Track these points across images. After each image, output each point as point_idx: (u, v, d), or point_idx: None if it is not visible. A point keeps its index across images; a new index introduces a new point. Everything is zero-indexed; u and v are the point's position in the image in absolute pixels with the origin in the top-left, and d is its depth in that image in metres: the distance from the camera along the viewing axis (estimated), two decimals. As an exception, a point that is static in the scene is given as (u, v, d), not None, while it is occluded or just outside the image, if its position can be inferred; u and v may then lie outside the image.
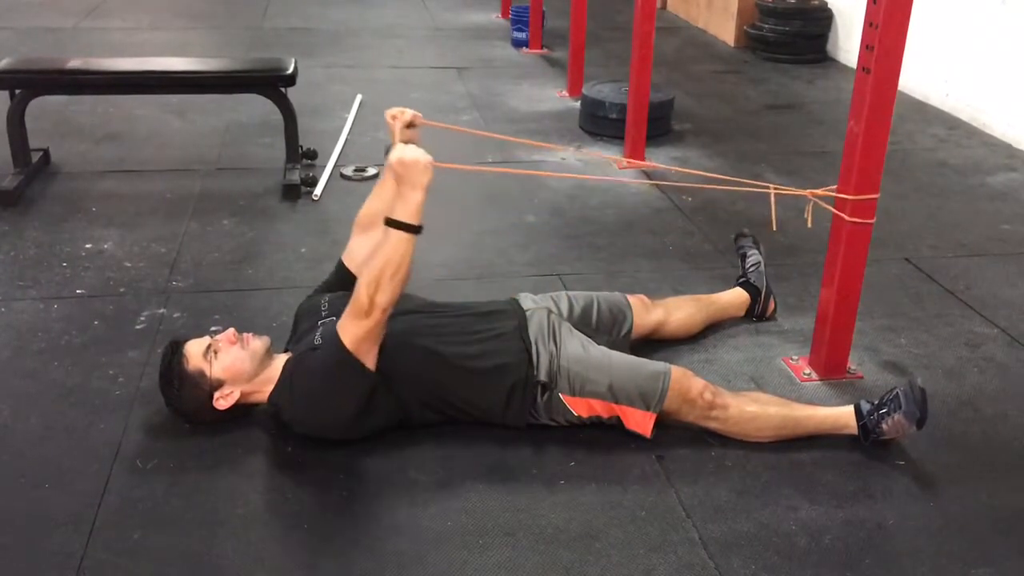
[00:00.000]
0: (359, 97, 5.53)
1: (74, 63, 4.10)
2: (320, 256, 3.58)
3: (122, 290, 3.28)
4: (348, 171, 4.43)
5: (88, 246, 3.60)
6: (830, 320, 2.78)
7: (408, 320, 2.54)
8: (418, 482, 2.37)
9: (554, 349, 2.53)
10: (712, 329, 3.10)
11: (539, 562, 2.12)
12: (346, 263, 2.76)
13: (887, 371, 2.92)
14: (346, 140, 4.85)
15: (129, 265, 3.47)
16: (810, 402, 2.70)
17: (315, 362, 2.37)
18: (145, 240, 3.67)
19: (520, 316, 2.62)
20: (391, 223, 2.28)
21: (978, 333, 3.16)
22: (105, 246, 3.61)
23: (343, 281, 2.73)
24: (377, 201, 2.69)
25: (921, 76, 5.82)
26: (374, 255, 2.30)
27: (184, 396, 2.46)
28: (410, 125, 2.60)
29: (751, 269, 3.20)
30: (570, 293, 2.88)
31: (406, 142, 2.46)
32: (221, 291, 3.31)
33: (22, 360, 2.85)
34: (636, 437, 2.51)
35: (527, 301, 2.72)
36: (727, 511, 2.29)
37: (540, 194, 4.29)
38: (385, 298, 2.28)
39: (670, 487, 2.37)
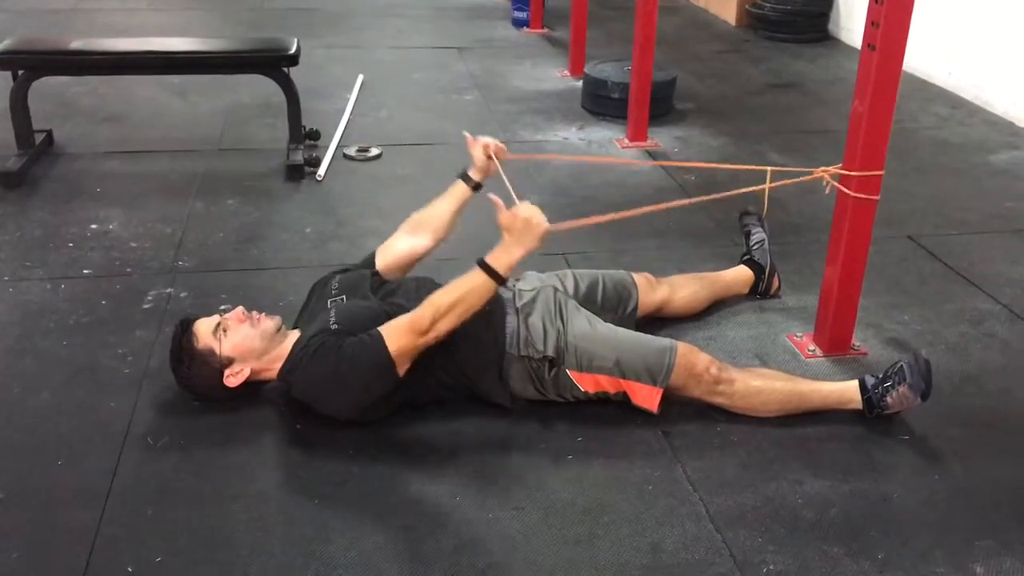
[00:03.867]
0: (360, 77, 5.52)
1: (77, 43, 4.08)
2: (325, 236, 3.60)
3: (128, 270, 3.29)
4: (351, 151, 4.44)
5: (93, 226, 3.61)
6: (834, 296, 2.79)
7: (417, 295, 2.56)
8: (427, 458, 2.39)
9: (560, 326, 2.55)
10: (716, 307, 3.12)
11: (548, 536, 2.14)
12: (377, 255, 2.80)
13: (891, 347, 2.93)
14: (348, 120, 4.85)
15: (135, 245, 3.48)
16: (815, 378, 2.72)
17: (348, 349, 2.36)
18: (150, 220, 3.68)
19: (499, 300, 2.62)
20: (484, 266, 2.33)
21: (981, 310, 3.17)
22: (110, 226, 3.62)
23: (367, 266, 2.78)
24: (438, 209, 2.82)
25: (923, 54, 5.81)
26: (454, 285, 2.36)
27: (194, 374, 2.48)
28: (488, 156, 2.71)
29: (755, 247, 3.21)
30: (575, 271, 2.89)
31: (477, 163, 2.72)
32: (227, 271, 3.32)
33: (31, 339, 2.87)
34: (642, 413, 2.53)
35: (532, 280, 2.74)
36: (733, 485, 2.32)
37: (544, 173, 4.29)
38: (446, 327, 2.33)
39: (676, 462, 2.39)
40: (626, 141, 4.68)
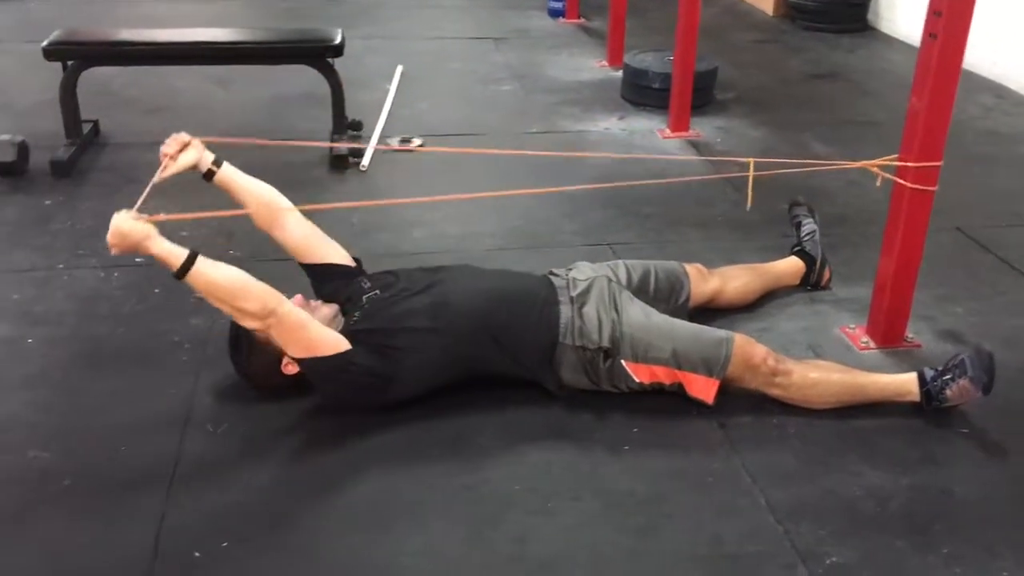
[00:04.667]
0: (400, 68, 5.53)
1: (125, 34, 4.12)
2: (370, 226, 3.61)
3: (180, 259, 3.31)
4: (394, 141, 4.45)
5: (144, 215, 3.63)
6: (889, 288, 2.78)
7: (456, 284, 2.57)
8: (483, 447, 2.40)
9: (615, 316, 2.55)
10: (767, 298, 3.11)
11: (608, 526, 2.15)
12: (304, 262, 2.77)
13: (944, 340, 2.91)
14: (389, 111, 4.86)
15: (186, 234, 3.47)
16: (870, 370, 2.70)
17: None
18: (197, 209, 3.68)
19: (549, 287, 2.63)
20: (175, 277, 2.29)
21: (1035, 302, 3.15)
22: (160, 215, 3.63)
23: (325, 274, 2.73)
24: (247, 206, 2.83)
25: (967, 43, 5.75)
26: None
27: (253, 362, 2.50)
28: (184, 147, 2.64)
29: (806, 238, 3.19)
30: (627, 262, 2.88)
31: (194, 163, 2.67)
32: (277, 260, 3.30)
33: (88, 326, 2.90)
34: (697, 404, 2.53)
35: (585, 270, 2.74)
36: (792, 477, 2.31)
37: (585, 163, 4.29)
38: (253, 308, 2.28)
39: (734, 453, 2.39)
40: (668, 131, 4.66)
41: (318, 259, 2.72)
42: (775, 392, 2.54)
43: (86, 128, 4.25)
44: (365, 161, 4.18)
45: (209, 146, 2.73)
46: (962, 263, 3.41)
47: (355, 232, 3.58)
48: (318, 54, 4.13)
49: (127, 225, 2.27)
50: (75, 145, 4.07)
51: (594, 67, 5.77)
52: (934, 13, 2.48)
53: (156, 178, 2.55)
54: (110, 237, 2.25)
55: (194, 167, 2.64)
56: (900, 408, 2.55)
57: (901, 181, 2.64)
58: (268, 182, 3.95)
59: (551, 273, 2.78)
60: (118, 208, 3.70)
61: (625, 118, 4.88)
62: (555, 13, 6.96)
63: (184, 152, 2.61)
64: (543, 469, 2.32)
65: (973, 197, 3.97)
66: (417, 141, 4.46)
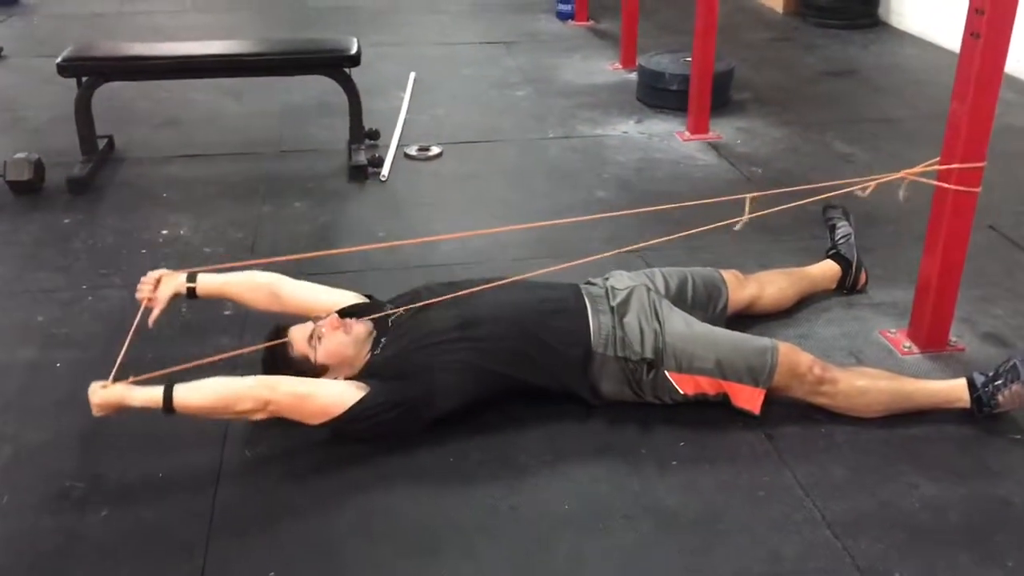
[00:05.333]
0: (412, 75, 5.48)
1: (139, 49, 4.08)
2: (397, 238, 3.54)
3: (204, 276, 3.27)
4: (412, 151, 4.40)
5: (164, 232, 3.60)
6: (932, 292, 2.73)
7: (488, 297, 2.52)
8: (529, 466, 2.35)
9: (657, 326, 2.50)
10: (804, 303, 3.05)
11: (664, 545, 2.10)
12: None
13: (988, 343, 2.86)
14: (405, 119, 4.81)
15: (208, 251, 3.46)
16: (914, 376, 2.65)
17: None
18: (220, 225, 3.66)
19: (579, 297, 2.58)
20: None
21: (1076, 302, 3.09)
22: (181, 232, 3.60)
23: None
24: (247, 303, 2.74)
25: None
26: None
27: (289, 383, 2.46)
28: (157, 284, 2.62)
29: (841, 241, 3.14)
30: (663, 270, 2.84)
31: (165, 297, 2.60)
32: (304, 275, 3.26)
33: (116, 347, 2.82)
34: (742, 415, 2.48)
35: (623, 279, 2.69)
36: (846, 489, 2.26)
37: (607, 169, 4.24)
38: (244, 407, 2.29)
39: (784, 466, 2.34)
40: (687, 133, 4.61)
41: (332, 308, 2.65)
42: (821, 401, 2.49)
43: (101, 144, 4.21)
44: (385, 171, 4.13)
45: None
46: (998, 262, 3.36)
47: (381, 243, 3.53)
48: (335, 64, 4.09)
49: (98, 397, 2.29)
50: (91, 162, 4.02)
51: (607, 70, 5.72)
52: (976, 11, 2.42)
53: (149, 323, 2.60)
54: (93, 409, 2.29)
55: (176, 295, 2.62)
56: (950, 415, 2.50)
57: (944, 184, 2.59)
58: (289, 192, 3.95)
59: (588, 283, 2.73)
60: (138, 224, 3.70)
61: (643, 121, 4.82)
62: (564, 16, 6.91)
63: (160, 287, 2.61)
64: (591, 487, 2.27)
65: (1003, 194, 3.90)
66: (436, 149, 4.41)
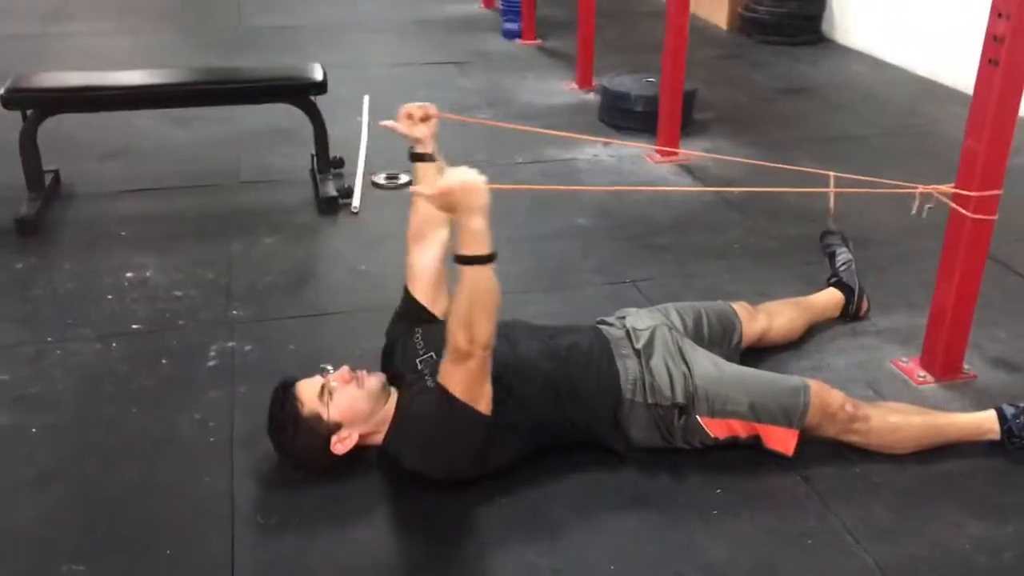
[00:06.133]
0: (367, 98, 5.31)
1: (90, 78, 3.83)
2: (382, 275, 3.39)
3: (181, 322, 3.06)
4: (380, 179, 4.24)
5: (129, 275, 3.36)
6: (948, 320, 2.69)
7: (519, 346, 2.40)
8: (563, 520, 2.22)
9: (685, 369, 2.40)
10: (810, 333, 2.99)
11: (722, 605, 2.00)
12: (411, 289, 2.58)
13: (998, 368, 2.84)
14: (366, 145, 4.64)
15: (180, 294, 3.24)
16: (933, 407, 2.61)
17: (425, 412, 2.22)
18: (188, 265, 3.45)
19: (601, 339, 2.48)
20: (462, 260, 2.08)
21: (1076, 323, 3.11)
22: (147, 274, 3.37)
23: (416, 310, 2.57)
24: (414, 208, 2.58)
25: (927, 54, 5.80)
26: (458, 296, 2.11)
27: (299, 442, 2.28)
28: (425, 119, 2.51)
29: (842, 268, 3.10)
30: (676, 306, 2.74)
31: (422, 138, 2.51)
32: (288, 318, 3.11)
33: (96, 407, 2.63)
34: (774, 456, 2.40)
35: (644, 318, 2.59)
36: (894, 532, 2.19)
37: (583, 194, 4.15)
38: (483, 335, 2.10)
39: (827, 509, 2.26)
40: (657, 156, 4.55)
41: (418, 294, 2.57)
42: (853, 439, 2.42)
43: (47, 179, 3.94)
44: (356, 202, 3.96)
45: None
46: (991, 285, 3.30)
47: (367, 280, 3.37)
48: (299, 91, 3.91)
49: (475, 180, 2.02)
50: (39, 199, 3.76)
51: (564, 90, 5.65)
52: (993, 38, 2.40)
53: (387, 123, 2.55)
54: (442, 187, 2.02)
55: (416, 141, 2.54)
56: (979, 448, 2.46)
57: (962, 211, 2.56)
58: (258, 227, 3.75)
59: (602, 322, 2.63)
60: (98, 267, 3.45)
61: (610, 143, 4.75)
62: (511, 35, 6.82)
63: (421, 125, 2.54)
64: (633, 542, 2.16)
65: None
66: (405, 177, 4.26)
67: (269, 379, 2.71)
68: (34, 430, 2.53)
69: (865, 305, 3.10)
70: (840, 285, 3.08)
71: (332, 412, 2.27)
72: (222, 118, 4.86)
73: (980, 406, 2.58)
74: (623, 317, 2.63)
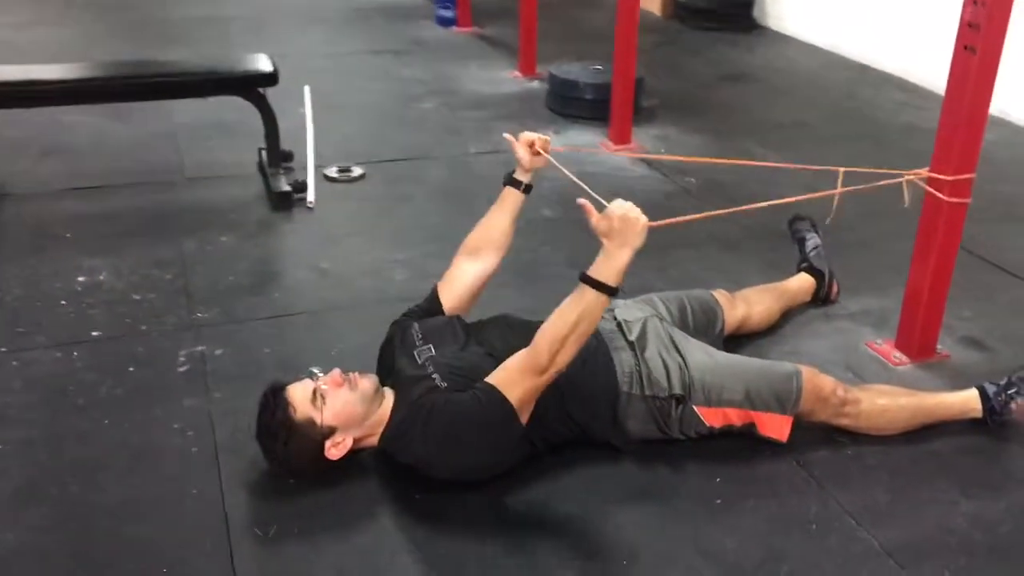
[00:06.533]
0: (307, 89, 5.16)
1: (27, 72, 3.63)
2: (345, 273, 3.32)
3: (144, 327, 2.93)
4: (332, 172, 4.14)
5: (81, 279, 3.21)
6: (924, 302, 2.75)
7: (516, 342, 2.36)
8: (571, 518, 2.19)
9: (680, 360, 2.39)
10: (785, 318, 3.02)
11: (739, 594, 1.99)
12: (440, 292, 2.56)
13: (969, 348, 2.91)
14: (313, 138, 4.52)
15: (138, 297, 3.10)
16: (912, 387, 2.65)
17: (456, 412, 2.15)
18: (142, 266, 3.30)
19: (594, 334, 2.45)
20: (591, 281, 2.05)
21: (1036, 301, 3.20)
22: (101, 277, 3.22)
23: (434, 309, 2.55)
24: (493, 223, 2.59)
25: (860, 40, 5.93)
26: (564, 310, 2.08)
27: (293, 448, 2.19)
28: (531, 145, 2.52)
29: (812, 253, 3.14)
30: (659, 296, 2.73)
31: (529, 168, 2.54)
32: (256, 320, 3.00)
33: (66, 420, 2.50)
34: (768, 444, 2.41)
35: (633, 309, 2.57)
36: (893, 514, 2.22)
37: (543, 184, 4.07)
38: (565, 358, 2.09)
39: (826, 494, 2.28)
40: (611, 144, 4.55)
41: (445, 300, 2.55)
42: (844, 423, 2.45)
43: (-21, 180, 3.74)
44: (311, 197, 3.85)
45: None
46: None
47: (331, 278, 3.28)
48: (248, 84, 3.78)
49: (640, 218, 2.04)
50: (-26, 201, 3.56)
51: (508, 78, 5.60)
52: (968, 25, 2.44)
53: (509, 136, 2.55)
54: (611, 213, 2.03)
55: (523, 168, 2.56)
56: (961, 426, 2.51)
57: (938, 194, 2.60)
58: (211, 225, 3.62)
59: (590, 316, 2.60)
60: (46, 272, 3.28)
61: (561, 132, 4.73)
62: (445, 22, 6.74)
63: (536, 156, 2.54)
64: (642, 535, 2.14)
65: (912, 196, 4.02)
66: (358, 170, 4.17)
67: (244, 383, 2.65)
68: (2, 447, 2.39)
69: (835, 289, 3.14)
70: (811, 270, 3.12)
71: (326, 416, 2.19)
72: (159, 112, 4.69)
73: (957, 385, 2.65)
74: (611, 309, 2.60)
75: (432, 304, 2.55)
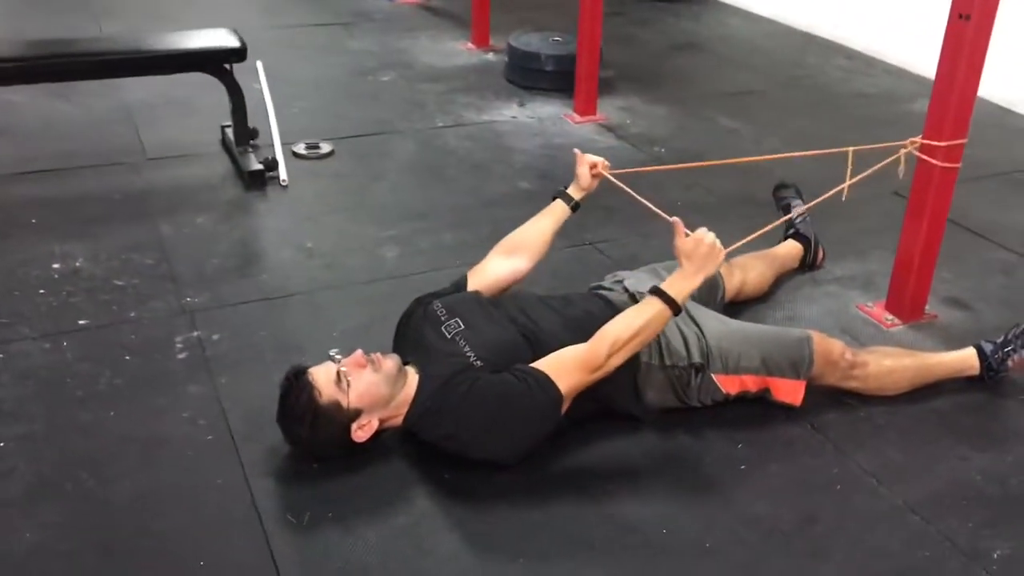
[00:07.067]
0: (259, 63, 5.02)
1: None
2: (331, 251, 3.26)
3: (132, 314, 2.83)
4: (300, 149, 4.05)
5: (56, 265, 3.08)
6: (916, 265, 2.82)
7: (541, 320, 2.36)
8: (605, 490, 2.20)
9: (696, 329, 2.42)
10: (776, 285, 3.08)
11: (779, 558, 2.03)
12: (472, 279, 2.55)
13: (953, 308, 3.01)
14: (274, 114, 4.40)
15: (121, 283, 2.99)
16: (907, 348, 2.73)
17: (512, 391, 2.14)
18: (119, 251, 3.18)
19: (610, 306, 2.47)
20: (664, 296, 2.17)
21: (1003, 260, 3.32)
22: (77, 264, 3.10)
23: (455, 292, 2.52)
24: (536, 229, 2.63)
25: (803, 8, 6.03)
26: (631, 316, 2.19)
27: (319, 432, 2.15)
28: (593, 167, 2.60)
29: (798, 220, 3.19)
30: (656, 266, 2.76)
31: (585, 187, 2.62)
32: (248, 303, 2.92)
33: (68, 413, 2.40)
34: (781, 408, 2.45)
35: (643, 279, 2.58)
36: (910, 472, 2.29)
37: (515, 158, 4.10)
38: (618, 362, 2.18)
39: (843, 455, 2.34)
40: (576, 116, 4.54)
41: (471, 287, 2.54)
42: (852, 385, 2.51)
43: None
44: (283, 175, 3.76)
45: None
46: None
47: (319, 258, 3.21)
48: (216, 60, 3.66)
49: (719, 249, 2.21)
50: (-73, 187, 3.38)
51: (462, 50, 5.53)
52: (964, -6, 2.50)
53: (578, 152, 2.65)
54: (697, 237, 2.20)
55: (579, 186, 2.64)
56: (958, 384, 2.60)
57: (931, 160, 2.67)
58: (183, 206, 3.51)
59: (598, 287, 2.62)
60: (18, 259, 3.12)
61: (525, 104, 4.70)
62: (389, -7, 6.61)
63: (591, 178, 2.62)
64: (677, 505, 2.17)
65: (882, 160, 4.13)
66: (326, 147, 4.08)
67: (248, 368, 2.60)
68: (1, 444, 2.28)
69: (821, 255, 3.21)
70: (798, 236, 3.17)
71: (351, 398, 2.16)
72: (107, 90, 4.49)
73: (949, 344, 2.75)
74: (619, 281, 2.62)
75: (456, 287, 2.53)
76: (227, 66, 3.71)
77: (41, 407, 2.41)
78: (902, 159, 2.69)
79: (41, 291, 2.93)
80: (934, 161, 2.67)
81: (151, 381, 2.53)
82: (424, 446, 2.24)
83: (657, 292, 2.17)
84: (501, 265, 2.57)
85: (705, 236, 2.19)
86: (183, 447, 2.29)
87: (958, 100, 2.60)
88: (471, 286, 2.53)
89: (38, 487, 2.15)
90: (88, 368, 2.57)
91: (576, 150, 2.64)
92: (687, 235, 2.19)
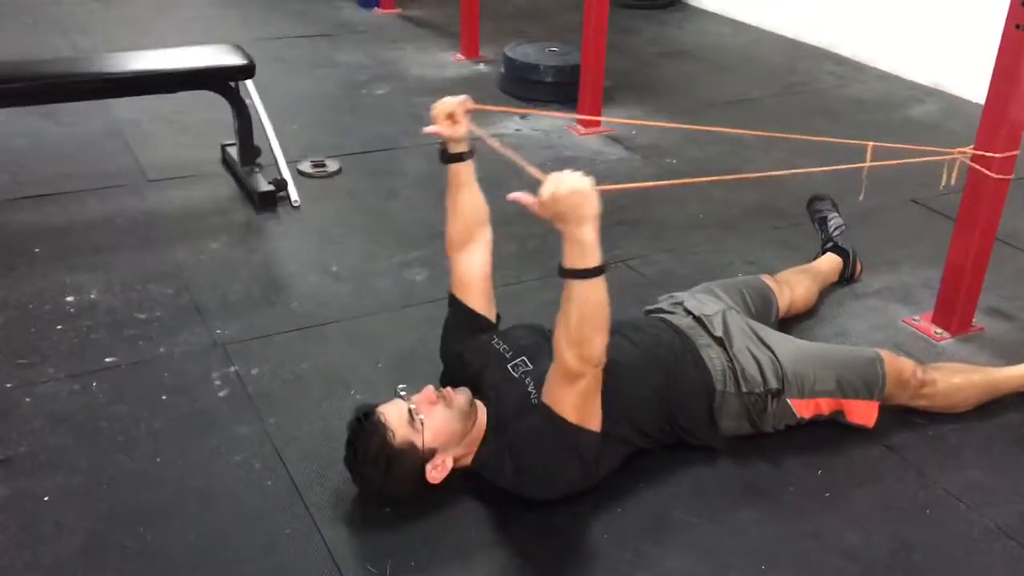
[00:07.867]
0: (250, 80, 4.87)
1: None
2: (359, 274, 3.13)
3: (162, 350, 2.67)
4: (306, 167, 3.91)
5: (70, 298, 2.90)
6: (967, 277, 2.79)
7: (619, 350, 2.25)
8: (688, 523, 2.12)
9: (770, 353, 2.34)
10: (819, 300, 3.03)
11: (885, 590, 1.97)
12: (463, 298, 2.40)
13: (996, 319, 2.98)
14: (273, 131, 4.25)
15: (144, 316, 2.84)
16: (961, 361, 2.69)
17: (533, 437, 2.03)
18: (136, 281, 3.02)
19: (677, 331, 2.38)
20: (570, 274, 1.85)
21: (1034, 266, 3.31)
22: (92, 295, 2.93)
23: (472, 318, 2.39)
24: (458, 205, 2.37)
25: (790, 16, 6.02)
26: (564, 313, 1.89)
27: (393, 476, 2.03)
28: (450, 117, 2.25)
29: (836, 233, 3.14)
30: (716, 285, 2.68)
31: (453, 137, 2.27)
32: (282, 333, 2.79)
33: (111, 460, 2.24)
34: (852, 430, 2.39)
35: (707, 302, 2.50)
36: (996, 492, 2.24)
37: (520, 170, 3.99)
38: (595, 352, 1.91)
39: (926, 478, 2.28)
40: (581, 128, 4.46)
41: (471, 301, 2.39)
42: (922, 403, 2.46)
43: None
44: (295, 195, 3.62)
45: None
46: (938, 237, 3.39)
47: (344, 283, 3.08)
48: (223, 78, 3.50)
49: (584, 185, 1.79)
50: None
51: (452, 61, 5.43)
52: (1021, 3, 2.47)
53: (430, 130, 2.26)
54: (551, 194, 1.78)
55: (448, 140, 2.27)
56: (1020, 398, 2.57)
57: (986, 171, 2.64)
58: (195, 231, 3.35)
59: (662, 311, 2.53)
60: (27, 293, 2.94)
61: (528, 117, 4.61)
62: (367, 3, 6.48)
63: (453, 126, 2.24)
64: (766, 536, 2.09)
65: (911, 170, 4.10)
66: (333, 164, 3.94)
67: (295, 405, 2.48)
68: (47, 498, 2.12)
69: (859, 268, 3.17)
70: (836, 249, 3.12)
71: (426, 437, 2.04)
72: (92, 108, 4.28)
73: (1000, 356, 2.74)
74: (679, 303, 2.54)
75: (461, 314, 2.39)
76: (232, 84, 3.55)
77: (81, 456, 2.25)
78: (951, 168, 2.65)
79: (59, 327, 2.76)
80: (988, 172, 2.63)
81: (194, 422, 2.39)
82: (494, 487, 2.14)
83: (563, 273, 1.86)
84: (471, 261, 2.39)
85: (555, 189, 1.78)
86: (243, 495, 2.16)
87: (1016, 110, 2.57)
88: (466, 299, 2.39)
89: (93, 545, 2.00)
90: (124, 410, 2.42)
91: (425, 129, 2.27)
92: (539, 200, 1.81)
